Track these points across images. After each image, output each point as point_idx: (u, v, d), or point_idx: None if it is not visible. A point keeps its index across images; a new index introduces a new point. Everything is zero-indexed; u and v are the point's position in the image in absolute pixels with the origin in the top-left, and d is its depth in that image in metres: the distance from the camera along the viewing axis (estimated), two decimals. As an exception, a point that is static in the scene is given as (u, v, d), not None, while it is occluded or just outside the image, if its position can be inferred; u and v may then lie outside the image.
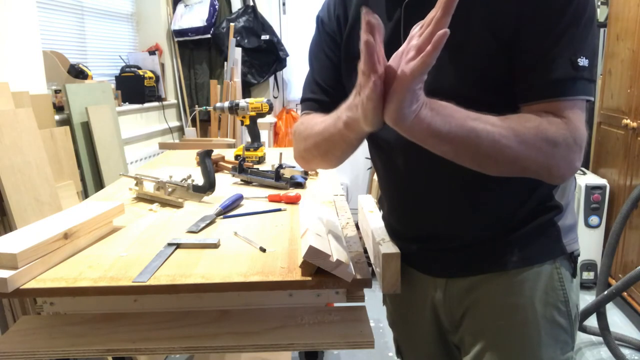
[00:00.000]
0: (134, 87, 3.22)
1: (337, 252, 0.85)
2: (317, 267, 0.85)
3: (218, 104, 2.01)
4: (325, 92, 0.92)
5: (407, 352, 1.01)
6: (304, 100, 0.96)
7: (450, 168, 0.77)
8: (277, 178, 1.51)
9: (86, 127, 2.47)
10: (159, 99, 3.48)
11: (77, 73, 2.63)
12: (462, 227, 0.83)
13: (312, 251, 0.83)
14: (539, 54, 0.69)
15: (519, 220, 0.80)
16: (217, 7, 3.67)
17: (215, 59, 3.74)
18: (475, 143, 0.64)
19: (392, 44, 0.76)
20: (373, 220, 1.02)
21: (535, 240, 0.80)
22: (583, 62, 0.68)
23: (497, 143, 0.64)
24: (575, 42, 0.68)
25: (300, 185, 1.51)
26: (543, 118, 0.67)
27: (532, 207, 0.80)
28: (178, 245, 1.02)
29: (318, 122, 0.82)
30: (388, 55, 0.72)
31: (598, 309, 2.08)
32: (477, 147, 0.64)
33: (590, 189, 2.72)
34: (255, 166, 1.75)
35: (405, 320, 0.98)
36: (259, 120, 1.99)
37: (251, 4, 3.67)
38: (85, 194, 2.41)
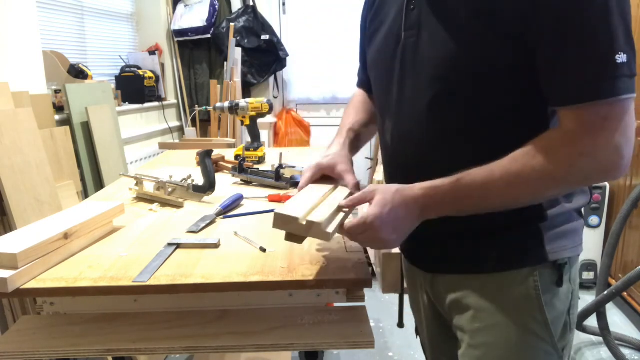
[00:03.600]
0: (134, 87, 3.22)
1: (314, 214, 0.78)
2: (305, 237, 0.79)
3: (218, 104, 2.01)
4: (364, 71, 1.03)
5: (421, 333, 1.02)
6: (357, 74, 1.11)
7: (429, 159, 0.79)
8: (277, 178, 1.51)
9: (86, 127, 2.47)
10: (159, 99, 3.48)
11: (77, 73, 2.63)
12: (438, 221, 0.80)
13: (277, 218, 0.77)
14: (566, 52, 0.64)
15: (499, 225, 0.77)
16: (217, 7, 3.67)
17: (215, 59, 3.74)
18: (485, 206, 0.72)
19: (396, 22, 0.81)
20: (373, 220, 1.02)
21: (513, 246, 0.78)
22: (622, 58, 0.62)
23: (509, 198, 0.71)
24: (610, 34, 0.62)
25: (300, 185, 1.51)
26: (537, 150, 0.67)
27: (513, 213, 0.76)
28: (178, 245, 1.02)
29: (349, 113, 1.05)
30: (391, 35, 0.82)
31: (598, 309, 2.07)
32: (489, 206, 0.72)
33: (590, 189, 2.72)
34: (255, 166, 1.75)
35: (415, 304, 0.99)
36: (259, 120, 1.99)
37: (251, 4, 3.67)
38: (85, 194, 2.41)
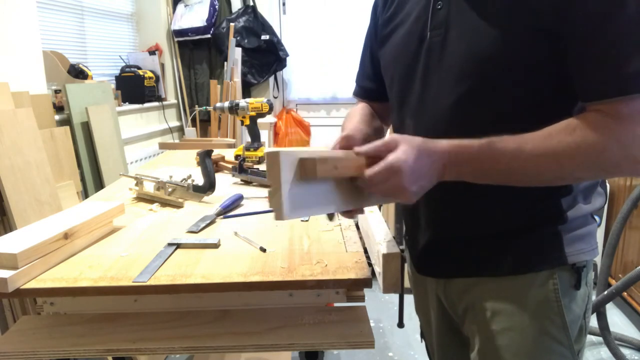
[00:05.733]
0: (134, 87, 3.22)
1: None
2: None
3: (218, 104, 2.01)
4: (369, 79, 1.01)
5: (427, 338, 1.02)
6: (356, 83, 1.06)
7: None
8: (277, 178, 1.51)
9: (86, 127, 2.47)
10: (159, 99, 3.48)
11: (77, 73, 2.63)
12: (456, 223, 0.81)
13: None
14: (604, 46, 0.64)
15: (518, 226, 0.77)
16: (217, 7, 3.67)
17: (215, 59, 3.74)
18: (509, 177, 0.70)
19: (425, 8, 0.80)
20: (373, 220, 1.02)
21: (532, 248, 0.77)
22: None
23: (536, 173, 0.68)
24: None
25: (300, 185, 1.51)
26: (581, 127, 0.65)
27: (532, 214, 0.77)
28: (178, 245, 1.02)
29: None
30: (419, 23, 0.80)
31: (598, 309, 2.07)
32: (513, 177, 0.70)
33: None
34: (255, 166, 1.75)
35: (422, 309, 0.99)
36: (259, 120, 1.99)
37: (251, 4, 3.67)
38: (85, 194, 2.41)
